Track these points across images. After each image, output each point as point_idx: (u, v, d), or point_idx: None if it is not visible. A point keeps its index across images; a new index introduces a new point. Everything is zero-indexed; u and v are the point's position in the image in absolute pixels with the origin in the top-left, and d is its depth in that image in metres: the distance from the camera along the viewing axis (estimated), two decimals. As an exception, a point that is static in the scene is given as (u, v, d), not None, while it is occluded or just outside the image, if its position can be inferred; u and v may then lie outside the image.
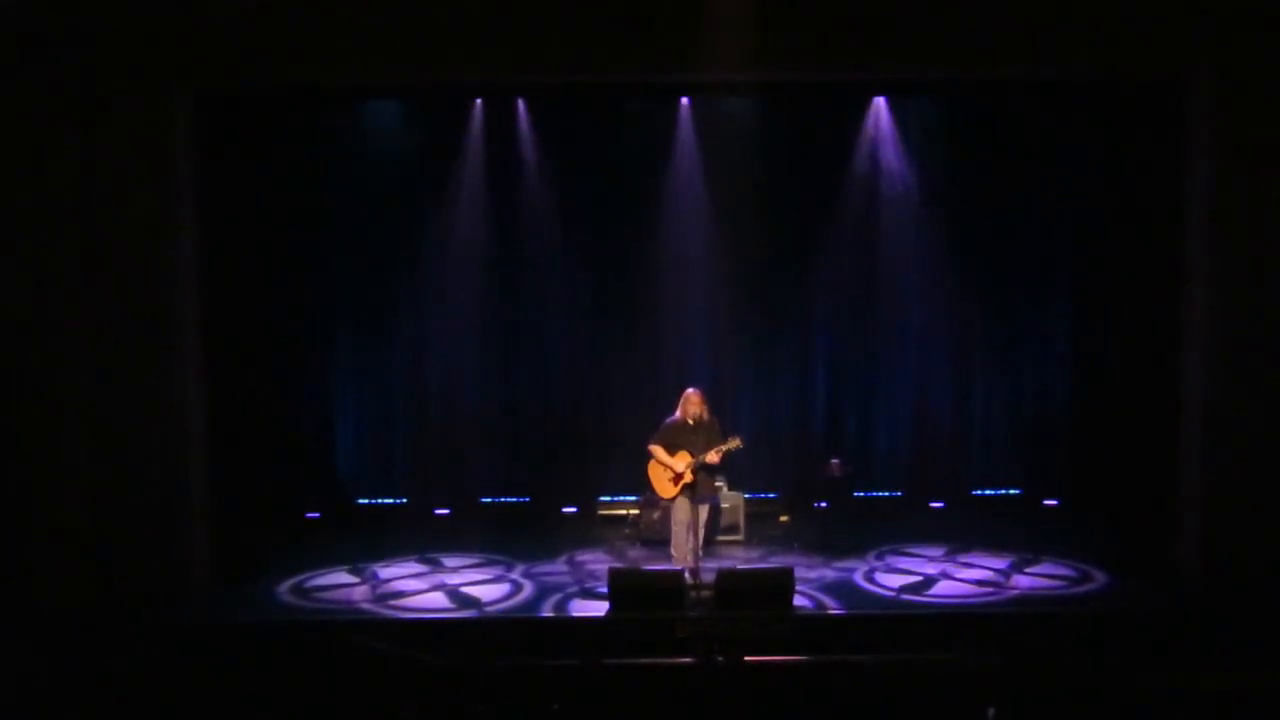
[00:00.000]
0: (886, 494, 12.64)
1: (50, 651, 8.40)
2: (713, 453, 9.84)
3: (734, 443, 9.84)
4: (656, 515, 11.13)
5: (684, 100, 12.04)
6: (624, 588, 9.08)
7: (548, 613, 9.45)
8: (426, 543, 11.34)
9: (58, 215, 9.65)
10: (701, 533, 10.17)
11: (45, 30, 9.51)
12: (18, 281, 9.68)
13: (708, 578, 9.45)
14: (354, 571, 10.54)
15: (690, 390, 10.16)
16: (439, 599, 9.86)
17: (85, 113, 9.59)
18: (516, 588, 10.10)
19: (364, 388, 12.54)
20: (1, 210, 9.64)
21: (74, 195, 9.63)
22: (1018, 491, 12.60)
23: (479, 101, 11.97)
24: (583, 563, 10.84)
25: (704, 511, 10.24)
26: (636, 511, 11.52)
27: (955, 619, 9.22)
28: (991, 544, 11.07)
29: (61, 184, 9.63)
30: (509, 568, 10.64)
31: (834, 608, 9.45)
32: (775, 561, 10.62)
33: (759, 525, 11.71)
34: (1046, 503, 12.45)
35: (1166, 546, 10.30)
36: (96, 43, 9.55)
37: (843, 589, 9.91)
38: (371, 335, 12.46)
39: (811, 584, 9.95)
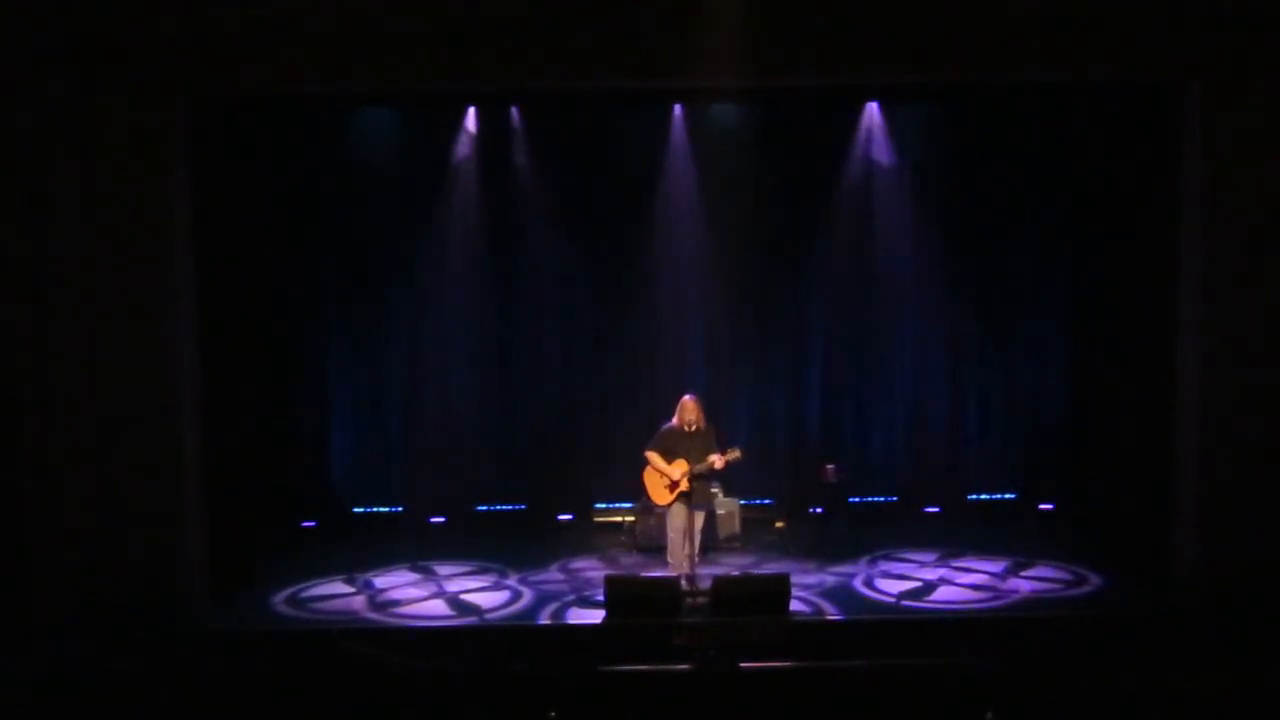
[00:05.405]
0: (882, 499, 12.64)
1: (47, 660, 8.37)
2: (719, 459, 9.81)
3: (735, 454, 9.81)
4: (653, 522, 11.12)
5: (677, 107, 12.06)
6: (620, 595, 9.07)
7: (545, 620, 9.44)
8: (422, 551, 11.32)
9: (55, 221, 9.62)
10: (698, 539, 10.18)
11: (44, 36, 9.50)
12: (14, 289, 9.66)
13: (704, 584, 9.46)
14: (350, 581, 10.52)
15: (686, 397, 10.13)
16: (438, 607, 9.85)
17: (83, 119, 9.57)
18: (515, 596, 10.09)
19: (359, 395, 12.52)
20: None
21: (71, 202, 9.60)
22: (1013, 496, 12.60)
23: (473, 109, 11.99)
24: (578, 570, 10.82)
25: (700, 518, 10.24)
26: (632, 519, 11.51)
27: (951, 624, 9.23)
28: (986, 548, 11.07)
29: (59, 190, 9.60)
30: (504, 575, 10.63)
31: (833, 614, 9.44)
32: (771, 568, 10.61)
33: (755, 531, 11.70)
34: (1042, 507, 12.45)
35: (1161, 550, 10.29)
36: (95, 49, 9.54)
37: (841, 595, 9.90)
38: (367, 343, 12.45)
39: (810, 590, 9.95)
